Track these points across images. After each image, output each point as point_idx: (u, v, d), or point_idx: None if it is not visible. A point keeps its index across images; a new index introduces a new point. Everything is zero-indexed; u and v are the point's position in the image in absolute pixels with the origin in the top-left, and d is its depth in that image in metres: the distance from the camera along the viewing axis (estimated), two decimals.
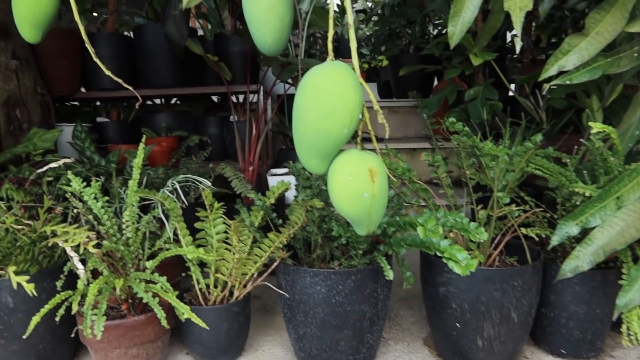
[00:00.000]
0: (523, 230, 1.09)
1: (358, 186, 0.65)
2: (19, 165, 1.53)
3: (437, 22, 2.75)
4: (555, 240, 0.93)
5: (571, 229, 0.93)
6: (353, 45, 0.68)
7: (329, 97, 0.61)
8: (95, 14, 2.20)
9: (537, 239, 1.12)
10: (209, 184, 1.07)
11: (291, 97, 2.14)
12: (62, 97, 1.90)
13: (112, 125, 2.13)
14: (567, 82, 0.82)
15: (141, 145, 1.06)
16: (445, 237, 0.98)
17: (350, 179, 0.65)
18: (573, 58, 0.80)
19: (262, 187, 1.92)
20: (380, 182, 0.66)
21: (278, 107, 1.80)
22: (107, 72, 0.85)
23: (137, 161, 1.02)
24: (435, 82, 2.77)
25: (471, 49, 1.76)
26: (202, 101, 2.34)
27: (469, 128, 2.07)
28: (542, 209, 1.13)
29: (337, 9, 3.63)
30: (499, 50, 2.28)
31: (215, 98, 2.50)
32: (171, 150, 2.00)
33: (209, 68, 1.99)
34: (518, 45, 0.67)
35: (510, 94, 2.34)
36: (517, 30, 0.67)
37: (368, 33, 3.13)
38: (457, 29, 0.75)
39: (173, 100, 2.26)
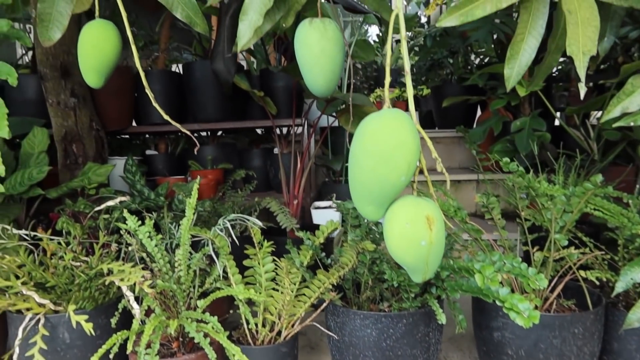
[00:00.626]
0: (582, 273, 1.04)
1: (415, 234, 0.64)
2: (75, 199, 1.59)
3: (479, 51, 2.73)
4: (620, 287, 0.89)
5: (637, 274, 0.88)
6: (410, 91, 0.67)
7: (387, 145, 0.61)
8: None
9: (597, 282, 1.07)
10: (260, 223, 1.07)
11: (334, 130, 2.16)
12: (115, 132, 1.98)
13: (160, 158, 2.20)
14: (632, 123, 0.79)
15: (195, 187, 1.09)
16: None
17: (407, 227, 0.64)
18: (638, 99, 0.77)
19: (305, 219, 1.92)
20: (438, 230, 0.65)
21: (322, 140, 1.81)
22: (161, 112, 0.88)
23: (192, 201, 1.04)
24: (479, 112, 2.74)
25: (526, 88, 1.74)
26: (247, 133, 2.39)
27: (516, 160, 2.02)
28: (602, 252, 1.08)
29: (377, 39, 3.66)
30: (545, 79, 2.23)
31: (259, 130, 2.55)
32: (217, 183, 2.04)
33: (254, 102, 2.03)
34: (582, 91, 0.65)
35: (558, 123, 2.28)
36: (581, 75, 0.66)
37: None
38: (513, 71, 0.74)
39: (218, 132, 2.31)
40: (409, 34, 2.92)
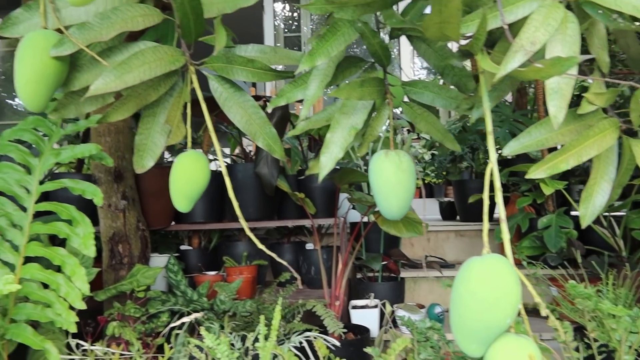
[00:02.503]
0: None
1: None
2: (120, 300, 1.61)
3: (497, 147, 2.86)
4: None
5: None
6: (506, 237, 0.73)
7: (496, 292, 0.66)
8: None
9: None
10: (336, 342, 1.10)
11: (367, 226, 2.22)
12: (154, 230, 2.03)
13: (194, 253, 2.24)
14: None
15: (278, 309, 1.12)
16: None
17: None
18: None
19: (343, 319, 1.92)
20: None
21: (354, 236, 1.86)
22: (238, 212, 0.93)
23: (275, 323, 1.06)
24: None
25: (551, 187, 1.82)
26: (278, 228, 2.44)
27: (545, 257, 2.06)
28: None
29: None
30: (567, 175, 2.33)
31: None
32: (253, 280, 2.06)
33: (290, 200, 2.10)
34: None
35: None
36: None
37: (427, 158, 3.27)
38: (587, 211, 0.80)
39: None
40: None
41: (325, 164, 0.98)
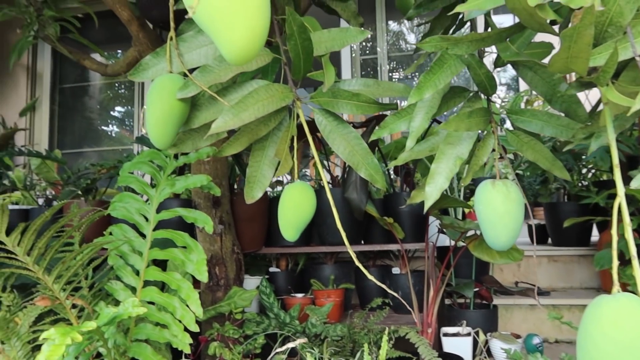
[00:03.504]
0: None
1: None
2: (220, 322, 1.68)
3: (590, 166, 2.71)
4: None
5: None
6: (638, 275, 0.70)
7: (630, 333, 0.63)
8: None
9: None
10: None
11: (457, 251, 2.17)
12: (246, 253, 2.11)
13: (282, 275, 2.29)
14: None
15: (385, 343, 1.13)
16: None
17: None
18: None
19: (434, 346, 1.88)
20: None
21: (446, 263, 1.83)
22: (343, 235, 0.95)
23: (382, 353, 1.07)
24: (594, 229, 2.65)
25: None
26: (363, 251, 2.45)
27: None
28: None
29: None
30: None
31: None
32: (341, 303, 2.08)
33: (377, 224, 2.11)
34: None
35: None
36: None
37: (510, 178, 3.16)
38: None
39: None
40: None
41: (430, 194, 0.98)
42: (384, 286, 0.91)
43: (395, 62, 4.39)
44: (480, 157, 1.02)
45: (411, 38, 4.51)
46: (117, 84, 4.79)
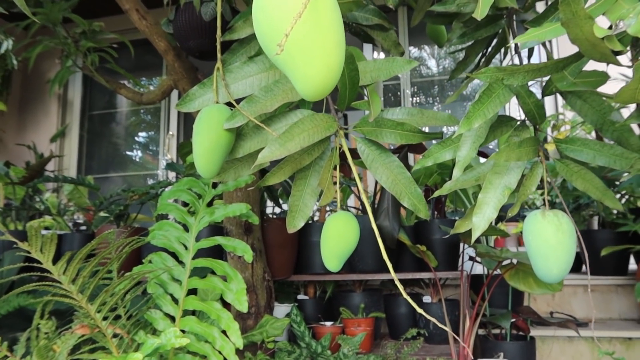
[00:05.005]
0: None
1: None
2: (252, 351, 1.66)
3: (625, 194, 2.64)
4: None
5: None
6: None
7: None
8: None
9: None
10: None
11: (496, 282, 2.12)
12: (277, 280, 2.10)
13: (310, 303, 2.27)
14: None
15: None
16: None
17: None
18: None
19: None
20: None
21: (481, 294, 1.78)
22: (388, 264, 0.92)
23: None
24: (631, 258, 2.58)
25: None
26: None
27: None
28: None
29: None
30: None
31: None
32: (371, 332, 2.04)
33: (408, 251, 2.08)
34: None
35: None
36: None
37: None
38: None
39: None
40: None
41: (478, 224, 0.96)
42: (423, 312, 0.88)
43: (416, 87, 4.40)
44: (528, 186, 1.00)
45: (432, 63, 4.53)
46: (142, 111, 4.88)
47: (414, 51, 4.46)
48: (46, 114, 4.64)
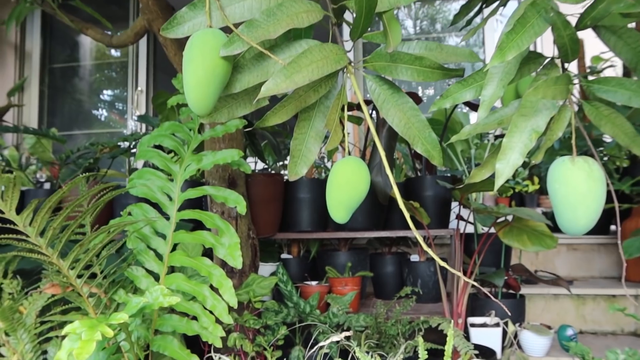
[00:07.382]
0: None
1: None
2: (238, 312, 1.57)
3: (606, 154, 2.63)
4: None
5: None
6: None
7: None
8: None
9: None
10: None
11: (491, 240, 2.08)
12: (261, 238, 2.00)
13: (295, 262, 2.19)
14: None
15: (451, 337, 1.02)
16: None
17: None
18: None
19: None
20: None
21: (478, 250, 1.73)
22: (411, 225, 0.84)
23: (448, 349, 0.96)
24: (617, 217, 2.58)
25: None
26: (380, 238, 2.35)
27: None
28: None
29: None
30: None
31: None
32: (359, 292, 1.98)
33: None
34: None
35: None
36: None
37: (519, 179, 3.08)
38: None
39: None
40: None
41: (502, 171, 0.87)
42: (446, 265, 0.80)
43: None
44: (555, 131, 0.91)
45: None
46: (109, 66, 4.61)
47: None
48: (2, 66, 4.31)
